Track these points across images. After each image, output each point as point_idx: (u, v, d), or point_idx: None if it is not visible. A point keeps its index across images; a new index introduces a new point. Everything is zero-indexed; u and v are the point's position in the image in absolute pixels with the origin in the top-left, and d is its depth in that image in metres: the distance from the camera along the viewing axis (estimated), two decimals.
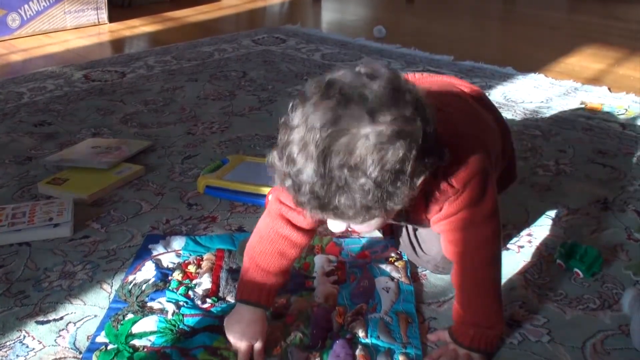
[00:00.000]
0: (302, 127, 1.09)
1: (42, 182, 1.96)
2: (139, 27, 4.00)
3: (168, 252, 1.62)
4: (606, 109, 2.51)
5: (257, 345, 1.31)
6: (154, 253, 1.61)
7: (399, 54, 3.29)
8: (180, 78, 2.97)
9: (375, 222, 1.18)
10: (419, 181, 1.10)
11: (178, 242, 1.65)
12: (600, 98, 2.65)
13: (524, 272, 1.55)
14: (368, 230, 1.30)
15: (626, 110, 2.49)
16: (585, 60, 3.21)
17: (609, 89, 2.76)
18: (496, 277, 1.34)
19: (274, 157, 1.14)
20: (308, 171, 1.06)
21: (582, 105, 2.54)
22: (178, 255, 1.60)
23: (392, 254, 1.60)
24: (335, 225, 1.20)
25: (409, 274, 1.53)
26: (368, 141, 1.04)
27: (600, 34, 3.74)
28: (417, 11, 3.83)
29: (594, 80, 2.91)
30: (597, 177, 2.00)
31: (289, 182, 1.11)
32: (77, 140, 2.28)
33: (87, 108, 2.61)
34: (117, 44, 3.70)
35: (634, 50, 3.34)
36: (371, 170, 1.05)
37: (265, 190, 1.86)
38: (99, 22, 4.00)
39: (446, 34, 3.41)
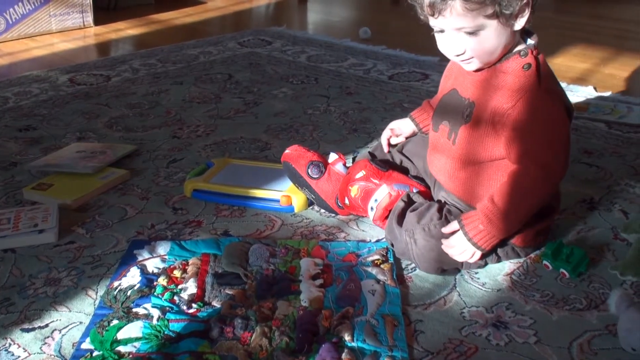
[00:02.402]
0: None
1: (27, 188, 1.94)
2: (124, 30, 3.99)
3: (153, 257, 1.61)
4: (592, 108, 2.51)
5: None
6: (139, 258, 1.60)
7: (384, 55, 3.29)
8: (166, 81, 2.97)
9: (488, 34, 1.43)
10: None
11: (163, 247, 1.64)
12: (586, 97, 2.65)
13: (511, 274, 1.55)
14: (481, 51, 1.46)
15: (612, 109, 2.50)
16: (571, 60, 3.22)
17: (595, 88, 2.76)
18: (534, 202, 1.50)
19: None
20: None
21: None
22: (163, 260, 1.59)
23: (378, 257, 1.60)
24: (454, 41, 1.46)
25: (395, 277, 1.53)
26: None
27: (586, 33, 3.76)
28: (403, 12, 3.84)
29: (580, 80, 2.92)
30: (583, 177, 2.01)
31: None
32: (62, 145, 2.27)
33: (72, 112, 2.59)
34: (103, 47, 3.69)
35: (620, 50, 3.36)
36: None
37: (255, 192, 1.86)
38: (84, 25, 3.98)
39: (431, 35, 3.38)
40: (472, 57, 1.49)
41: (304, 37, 3.70)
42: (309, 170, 1.80)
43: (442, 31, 1.48)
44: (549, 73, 1.51)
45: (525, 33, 1.51)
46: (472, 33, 1.43)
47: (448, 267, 1.54)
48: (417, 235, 1.53)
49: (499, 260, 1.58)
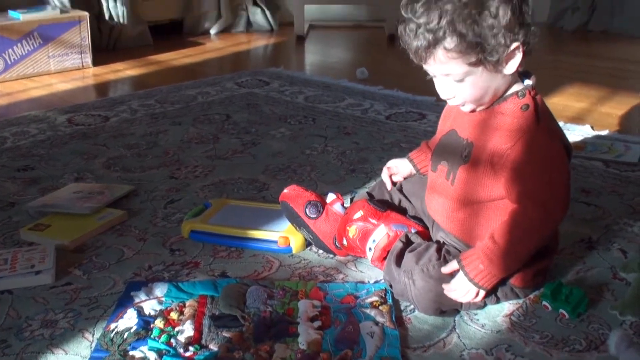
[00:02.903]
0: None
1: (24, 229, 1.94)
2: (123, 70, 4.00)
3: (150, 299, 1.60)
4: (589, 147, 2.52)
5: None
6: (136, 300, 1.59)
7: (381, 96, 3.31)
8: (164, 122, 2.97)
9: (477, 79, 1.44)
10: (512, 43, 1.40)
11: (160, 289, 1.63)
12: (583, 136, 2.66)
13: (510, 315, 1.54)
14: (472, 96, 1.48)
15: (609, 148, 2.50)
16: (568, 99, 3.24)
17: (592, 127, 2.77)
18: (534, 241, 1.50)
19: (402, 9, 1.44)
20: (426, 12, 1.39)
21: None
22: (160, 302, 1.58)
23: (376, 298, 1.59)
24: (444, 86, 1.48)
25: (393, 319, 1.52)
26: None
27: (582, 72, 3.78)
28: (399, 53, 3.88)
29: (577, 119, 2.93)
30: (582, 216, 2.01)
31: (410, 26, 1.42)
32: (60, 185, 2.27)
33: (70, 152, 2.60)
34: (101, 87, 3.70)
35: (616, 89, 3.37)
36: (474, 6, 1.37)
37: (252, 233, 1.86)
38: (83, 65, 4.00)
39: (428, 75, 3.40)
40: (464, 101, 1.51)
41: (301, 78, 3.72)
42: (307, 210, 1.80)
43: (433, 75, 1.50)
44: (547, 113, 1.52)
45: (523, 74, 1.52)
46: (459, 79, 1.45)
47: (447, 308, 1.54)
48: (415, 276, 1.52)
49: (498, 301, 1.58)
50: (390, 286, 1.60)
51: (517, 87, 1.51)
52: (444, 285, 1.51)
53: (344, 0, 5.02)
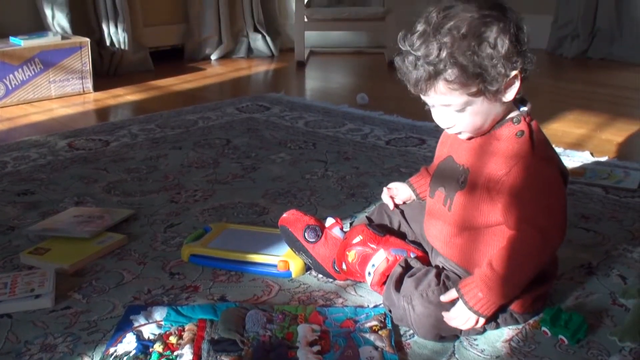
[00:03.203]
0: (423, 21, 1.45)
1: (24, 253, 1.94)
2: (123, 95, 4.02)
3: (149, 322, 1.60)
4: (589, 173, 2.52)
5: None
6: (135, 324, 1.59)
7: (381, 121, 3.32)
8: (164, 146, 2.98)
9: (476, 109, 1.46)
10: (511, 72, 1.42)
11: (159, 313, 1.63)
12: (582, 163, 2.67)
13: (509, 340, 1.54)
14: (471, 125, 1.50)
15: (609, 174, 2.51)
16: (568, 125, 3.24)
17: (592, 153, 2.78)
18: (532, 267, 1.50)
19: (399, 42, 1.47)
20: (424, 45, 1.41)
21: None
22: (159, 326, 1.58)
23: (376, 323, 1.59)
24: (443, 116, 1.50)
25: (393, 343, 1.52)
26: (472, 19, 1.40)
27: (583, 99, 3.79)
28: (399, 79, 3.89)
29: (577, 145, 2.94)
30: (581, 242, 2.01)
31: (409, 59, 1.44)
32: (60, 209, 2.27)
33: (70, 177, 2.60)
34: (102, 112, 3.71)
35: (617, 115, 3.38)
36: (473, 38, 1.39)
37: (252, 257, 1.86)
38: (83, 91, 4.01)
39: (426, 105, 3.41)
40: (463, 130, 1.52)
41: (301, 103, 3.73)
42: (306, 234, 1.80)
43: (432, 106, 1.51)
44: (542, 139, 1.53)
45: (519, 100, 1.54)
46: (460, 109, 1.47)
47: (446, 334, 1.53)
48: (415, 301, 1.52)
49: (497, 326, 1.57)
50: (390, 311, 1.60)
51: (513, 114, 1.52)
52: (444, 314, 1.51)
53: (344, 27, 5.02)
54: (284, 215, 1.87)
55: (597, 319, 1.61)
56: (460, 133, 1.54)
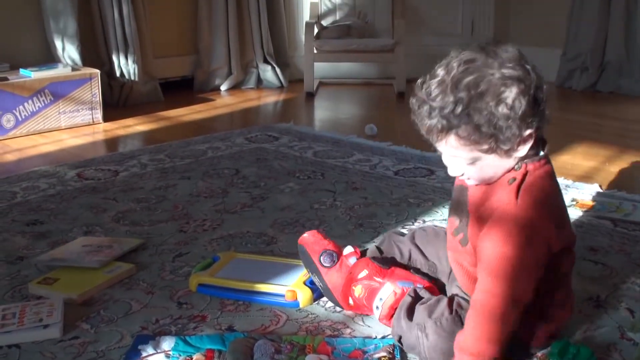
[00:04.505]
0: (443, 68, 1.43)
1: (32, 282, 1.95)
2: (133, 126, 4.04)
3: (158, 352, 1.60)
4: (598, 206, 2.52)
5: None
6: (144, 354, 1.60)
7: (390, 152, 3.33)
8: (174, 176, 2.99)
9: (486, 163, 1.46)
10: (526, 131, 1.42)
11: (168, 343, 1.64)
12: (591, 195, 2.67)
13: None
14: (479, 177, 1.50)
15: (617, 207, 2.51)
16: (577, 158, 3.25)
17: (600, 186, 2.78)
18: (502, 327, 1.44)
19: (417, 87, 1.47)
20: (441, 96, 1.40)
21: (574, 203, 2.56)
22: (167, 356, 1.59)
23: (385, 354, 1.59)
24: (452, 164, 1.50)
25: None
26: (493, 77, 1.39)
27: (591, 132, 3.80)
28: (408, 110, 3.90)
29: (586, 177, 2.94)
30: (589, 274, 2.00)
31: (425, 107, 1.43)
32: (69, 239, 2.28)
33: (79, 206, 2.62)
34: (111, 142, 3.74)
35: (625, 148, 3.39)
36: (490, 97, 1.38)
37: (260, 286, 1.87)
38: (93, 121, 4.04)
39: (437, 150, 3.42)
40: (471, 179, 1.52)
41: (310, 134, 3.75)
42: (322, 258, 1.81)
43: (442, 153, 1.51)
44: (539, 187, 1.49)
45: (540, 141, 1.51)
46: (470, 163, 1.47)
47: None
48: (428, 329, 1.52)
49: None
50: (399, 341, 1.60)
51: (523, 162, 1.50)
52: None
53: (353, 58, 5.05)
54: (305, 235, 1.89)
55: (605, 353, 1.61)
56: (468, 181, 1.54)
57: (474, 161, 1.46)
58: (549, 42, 4.93)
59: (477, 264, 1.49)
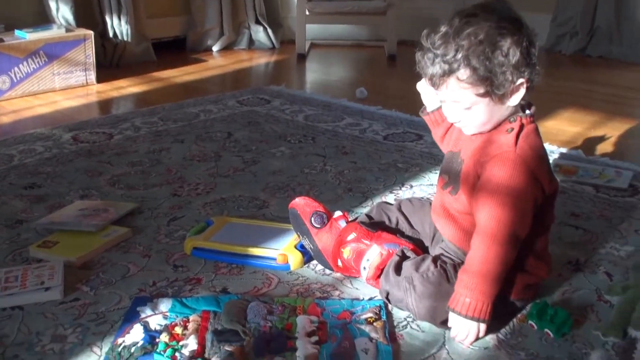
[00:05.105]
0: (446, 24, 1.56)
1: (33, 246, 2.01)
2: (126, 87, 4.08)
3: (155, 314, 1.67)
4: (581, 172, 2.58)
5: None
6: (142, 315, 1.66)
7: (380, 115, 3.39)
8: (167, 139, 3.05)
9: (482, 108, 1.57)
10: (518, 79, 1.54)
11: (165, 304, 1.70)
12: (575, 161, 2.73)
13: (497, 332, 1.61)
14: (475, 122, 1.61)
15: (600, 173, 2.57)
16: (562, 123, 3.30)
17: (584, 152, 2.84)
18: (502, 259, 1.57)
19: (422, 38, 1.59)
20: (444, 45, 1.53)
21: (557, 169, 2.62)
22: (165, 317, 1.65)
23: (371, 314, 1.66)
24: (452, 111, 1.61)
25: (387, 334, 1.59)
26: (490, 28, 1.51)
27: (578, 97, 3.85)
28: (398, 74, 3.89)
29: (570, 143, 3.00)
30: (570, 239, 2.08)
31: (428, 55, 1.56)
32: (66, 202, 2.34)
33: (75, 170, 2.67)
34: (105, 104, 3.77)
35: (611, 114, 3.44)
36: (488, 45, 1.51)
37: (252, 250, 1.94)
38: (87, 83, 4.07)
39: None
40: (468, 125, 1.62)
41: (302, 97, 3.79)
42: (313, 219, 1.89)
43: (443, 100, 1.63)
44: (532, 142, 1.62)
45: (525, 105, 1.64)
46: (467, 107, 1.57)
47: (445, 317, 1.61)
48: (415, 281, 1.62)
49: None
50: (387, 296, 1.70)
51: (516, 115, 1.63)
52: (451, 333, 1.60)
53: (345, 20, 5.07)
54: (296, 199, 1.96)
55: (583, 314, 1.69)
56: (465, 128, 1.65)
57: (471, 105, 1.57)
58: (539, 7, 4.95)
59: (481, 199, 1.59)
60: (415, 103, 1.71)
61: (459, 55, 1.52)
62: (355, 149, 2.91)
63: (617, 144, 3.02)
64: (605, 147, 2.98)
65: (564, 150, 2.86)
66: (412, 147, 2.91)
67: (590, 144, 3.02)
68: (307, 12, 4.89)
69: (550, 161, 2.52)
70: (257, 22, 5.20)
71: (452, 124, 1.75)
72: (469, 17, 1.55)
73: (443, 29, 1.56)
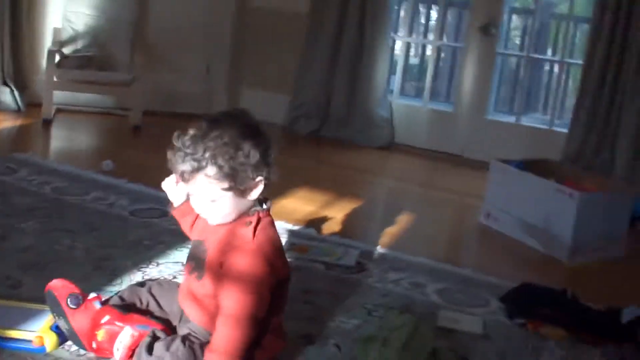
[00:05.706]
0: (194, 127, 1.79)
1: None
2: None
3: None
4: (313, 250, 2.83)
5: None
6: None
7: (126, 189, 3.44)
8: None
9: (226, 201, 1.81)
10: (257, 177, 1.80)
11: None
12: (307, 240, 2.97)
13: None
14: (220, 213, 1.85)
15: (330, 251, 2.83)
16: (297, 202, 3.54)
17: (316, 230, 3.10)
18: (242, 339, 1.79)
19: (174, 139, 1.79)
20: (193, 145, 1.76)
21: (292, 247, 2.82)
22: None
23: None
24: (200, 203, 1.84)
25: None
26: (234, 132, 1.77)
27: (313, 177, 4.12)
28: (143, 143, 4.05)
29: (305, 221, 3.24)
30: (303, 314, 2.29)
31: (179, 154, 1.77)
32: None
33: None
34: None
35: (341, 194, 3.75)
36: (231, 146, 1.76)
37: (10, 333, 1.96)
38: None
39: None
40: (213, 216, 1.86)
41: (49, 167, 3.71)
42: (68, 300, 1.97)
43: (192, 194, 1.85)
44: (268, 235, 1.88)
45: (263, 200, 1.90)
46: (213, 200, 1.81)
47: None
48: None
49: None
50: None
51: (253, 209, 1.88)
52: None
53: (92, 90, 5.01)
54: (53, 281, 2.01)
55: None
56: (210, 218, 1.87)
57: (217, 198, 1.81)
58: (281, 89, 5.29)
59: (224, 285, 1.81)
60: (160, 175, 1.99)
61: (207, 154, 1.76)
62: (103, 224, 2.95)
63: (345, 223, 3.32)
64: (334, 226, 3.25)
65: (297, 228, 3.10)
66: (158, 224, 3.00)
67: (321, 222, 3.28)
68: (56, 79, 4.88)
69: (285, 239, 2.80)
70: (5, 83, 5.07)
71: (198, 215, 1.96)
72: (214, 122, 1.80)
73: (192, 131, 1.80)
